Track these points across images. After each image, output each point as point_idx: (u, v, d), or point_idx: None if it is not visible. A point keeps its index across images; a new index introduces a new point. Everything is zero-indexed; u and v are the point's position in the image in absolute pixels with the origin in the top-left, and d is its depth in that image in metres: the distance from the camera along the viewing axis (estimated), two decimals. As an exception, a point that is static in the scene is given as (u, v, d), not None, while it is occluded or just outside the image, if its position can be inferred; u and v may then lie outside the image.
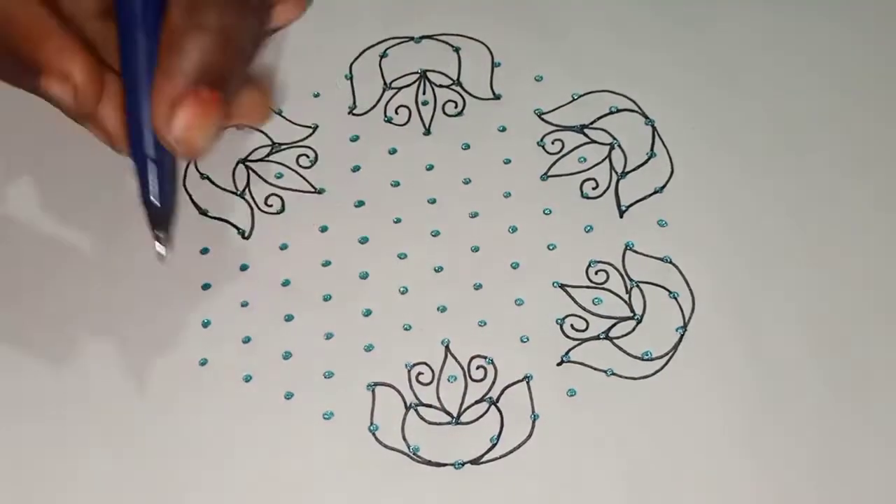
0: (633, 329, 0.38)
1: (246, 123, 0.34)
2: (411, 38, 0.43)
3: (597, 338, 0.38)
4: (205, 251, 0.39)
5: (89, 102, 0.31)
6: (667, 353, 0.37)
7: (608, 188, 0.40)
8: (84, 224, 0.37)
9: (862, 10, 0.43)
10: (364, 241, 0.39)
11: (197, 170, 0.40)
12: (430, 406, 0.37)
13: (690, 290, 0.38)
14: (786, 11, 0.44)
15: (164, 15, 0.31)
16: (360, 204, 0.40)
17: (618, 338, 0.38)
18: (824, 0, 0.44)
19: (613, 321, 0.38)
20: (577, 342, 0.37)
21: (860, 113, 0.41)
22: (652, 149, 0.41)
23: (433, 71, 0.42)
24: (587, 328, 0.38)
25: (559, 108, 0.42)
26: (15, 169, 0.39)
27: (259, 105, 0.34)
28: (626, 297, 0.38)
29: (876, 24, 0.43)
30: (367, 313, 0.38)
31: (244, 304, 0.38)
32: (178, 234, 0.37)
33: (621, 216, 0.40)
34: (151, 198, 0.32)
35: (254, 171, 0.40)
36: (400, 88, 0.42)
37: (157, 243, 0.33)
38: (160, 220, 0.33)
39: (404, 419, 0.36)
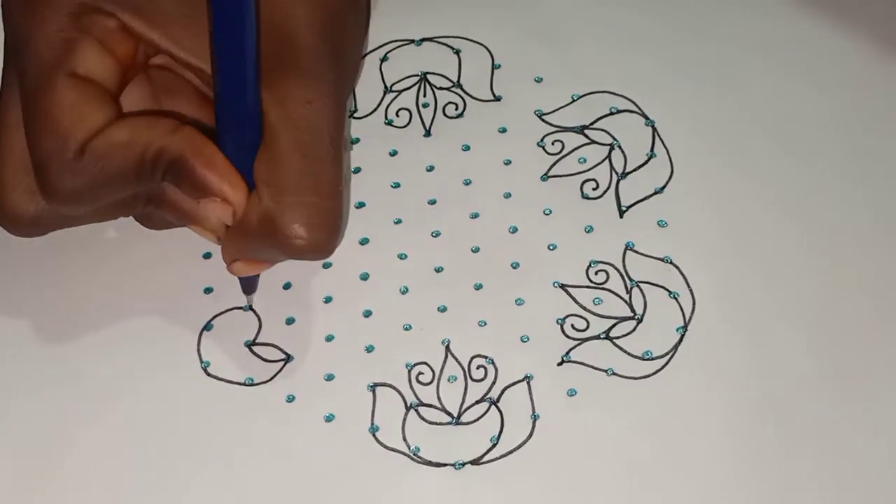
0: (634, 329, 0.38)
1: None
2: (412, 41, 0.43)
3: (597, 338, 0.38)
4: (207, 255, 0.39)
5: (234, 223, 0.34)
6: (667, 353, 0.37)
7: (608, 189, 0.40)
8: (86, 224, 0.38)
9: (862, 10, 0.43)
10: (364, 241, 0.39)
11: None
12: (430, 406, 0.37)
13: (691, 290, 0.38)
14: (786, 13, 0.43)
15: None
16: (361, 205, 0.40)
17: (618, 338, 0.38)
18: (824, 1, 0.44)
19: (614, 321, 0.38)
20: (577, 342, 0.37)
21: (860, 113, 0.41)
22: (652, 149, 0.41)
23: (433, 73, 0.42)
24: (587, 328, 0.38)
25: (559, 109, 0.42)
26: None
27: None
28: (626, 297, 0.38)
29: (875, 25, 0.43)
30: (368, 314, 0.38)
31: (246, 308, 0.38)
32: (180, 238, 0.38)
33: (621, 216, 0.40)
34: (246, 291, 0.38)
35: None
36: (400, 91, 0.42)
37: (248, 302, 0.38)
38: (251, 285, 0.38)
39: (405, 419, 0.36)
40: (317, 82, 0.34)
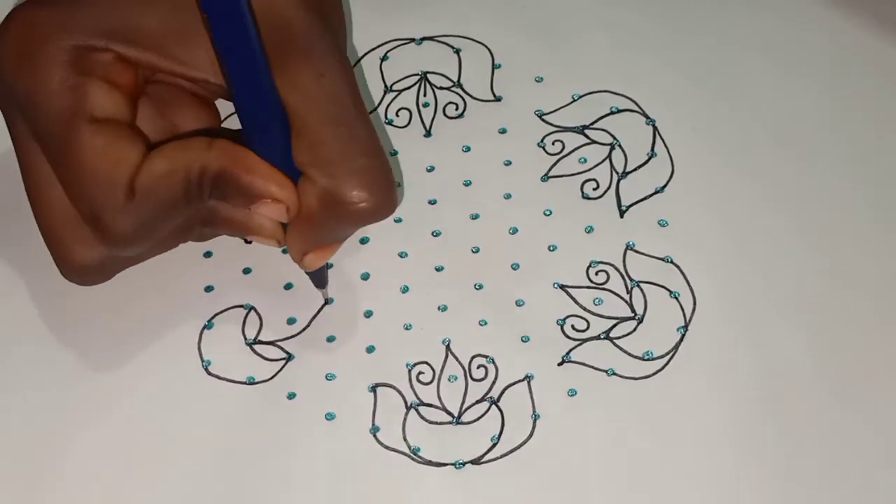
0: (634, 329, 0.38)
1: None
2: (412, 40, 0.43)
3: (597, 338, 0.38)
4: (208, 254, 0.39)
5: (292, 216, 0.35)
6: (668, 353, 0.37)
7: (609, 188, 0.40)
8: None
9: (862, 10, 0.43)
10: (365, 241, 0.39)
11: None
12: (430, 406, 0.37)
13: (691, 289, 0.38)
14: (786, 13, 0.44)
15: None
16: (362, 205, 0.40)
17: (619, 338, 0.38)
18: (824, 1, 0.44)
19: (614, 321, 0.38)
20: (577, 342, 0.38)
21: (860, 112, 0.41)
22: (652, 149, 0.41)
23: (434, 73, 0.42)
24: (588, 328, 0.38)
25: (559, 108, 0.42)
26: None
27: None
28: (626, 297, 0.38)
29: (876, 25, 0.43)
30: (368, 314, 0.38)
31: (247, 307, 0.38)
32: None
33: (622, 216, 0.40)
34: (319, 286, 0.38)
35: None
36: (401, 91, 0.42)
37: (324, 296, 0.39)
38: (321, 280, 0.38)
39: (405, 419, 0.36)
40: (320, 55, 0.34)
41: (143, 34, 0.34)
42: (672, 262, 0.39)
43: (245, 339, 0.38)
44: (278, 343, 0.38)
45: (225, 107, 0.37)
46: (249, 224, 0.35)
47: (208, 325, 0.38)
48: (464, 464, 0.36)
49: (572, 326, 0.38)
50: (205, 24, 0.31)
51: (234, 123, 0.38)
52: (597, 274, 0.39)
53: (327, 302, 0.39)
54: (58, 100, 0.33)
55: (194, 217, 0.35)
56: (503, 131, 0.41)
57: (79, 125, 0.33)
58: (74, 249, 0.35)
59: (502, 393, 0.37)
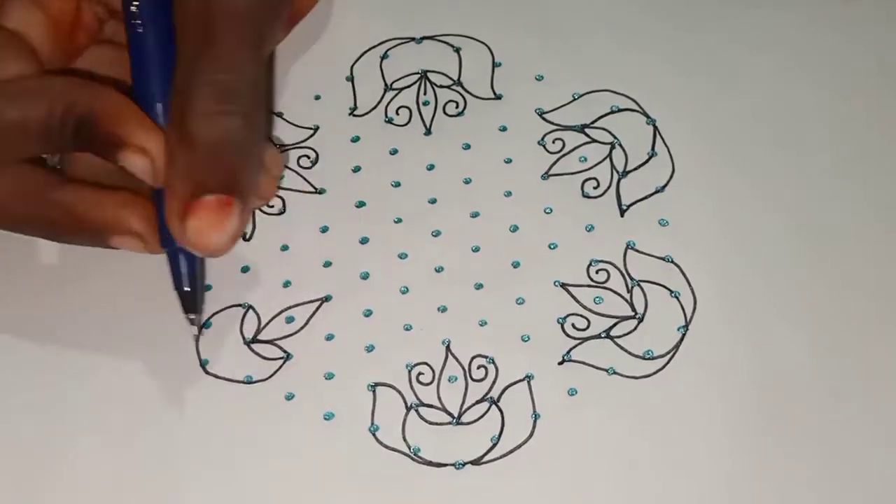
0: (635, 328, 0.38)
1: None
2: (412, 39, 0.43)
3: (598, 337, 0.37)
4: (206, 253, 0.39)
5: (160, 174, 0.32)
6: (668, 353, 0.37)
7: (609, 187, 0.40)
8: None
9: (861, 11, 0.43)
10: (364, 241, 0.39)
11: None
12: (430, 406, 0.37)
13: (692, 289, 0.38)
14: (786, 13, 0.43)
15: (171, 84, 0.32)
16: (361, 204, 0.40)
17: (619, 337, 0.37)
18: (824, 1, 0.44)
19: (615, 320, 0.38)
20: (578, 341, 0.37)
21: (860, 112, 0.41)
22: (653, 148, 0.41)
23: (434, 71, 0.42)
24: (588, 327, 0.38)
25: (560, 107, 0.42)
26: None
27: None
28: (627, 296, 0.38)
29: (875, 25, 0.43)
30: (368, 314, 0.38)
31: (245, 306, 0.38)
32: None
33: (622, 215, 0.40)
34: (185, 287, 0.35)
35: (254, 172, 0.40)
36: (401, 89, 0.42)
37: (190, 325, 0.36)
38: (191, 303, 0.36)
39: (405, 419, 0.36)
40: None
41: None
42: (672, 261, 0.39)
43: (243, 338, 0.38)
44: (277, 342, 0.38)
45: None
46: (110, 221, 0.33)
47: (206, 324, 0.38)
48: (464, 464, 0.36)
49: (573, 325, 0.38)
50: None
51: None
52: (597, 273, 0.39)
53: (200, 333, 0.37)
54: None
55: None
56: (503, 129, 0.41)
57: None
58: None
59: (502, 393, 0.37)
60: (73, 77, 0.33)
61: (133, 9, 0.32)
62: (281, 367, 0.37)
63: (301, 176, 0.40)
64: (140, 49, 0.33)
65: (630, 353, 0.37)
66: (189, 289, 0.35)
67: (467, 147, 0.41)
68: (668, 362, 0.37)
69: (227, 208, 0.32)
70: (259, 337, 0.38)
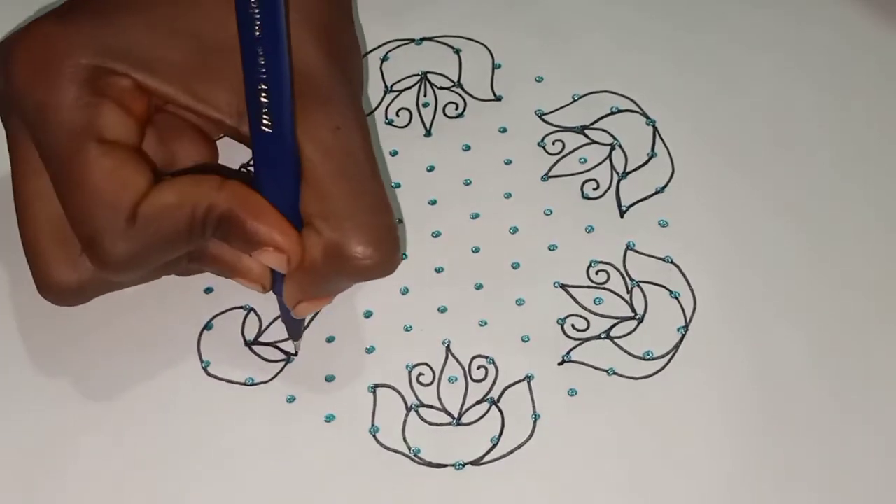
0: (635, 329, 0.38)
1: None
2: (412, 41, 0.43)
3: (598, 337, 0.38)
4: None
5: (291, 268, 0.34)
6: (668, 353, 0.37)
7: (609, 188, 0.40)
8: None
9: (863, 9, 0.43)
10: (365, 242, 0.39)
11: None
12: (430, 407, 0.37)
13: (692, 289, 0.38)
14: (787, 12, 0.43)
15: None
16: (361, 206, 0.40)
17: (619, 337, 0.37)
18: (825, 1, 0.44)
19: (614, 321, 0.38)
20: (578, 342, 0.37)
21: (860, 113, 0.41)
22: (653, 149, 0.41)
23: (434, 73, 0.42)
24: (588, 328, 0.38)
25: (560, 108, 0.42)
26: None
27: None
28: (627, 297, 0.38)
29: (877, 24, 0.43)
30: (368, 314, 0.38)
31: (247, 308, 0.38)
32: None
33: (622, 216, 0.40)
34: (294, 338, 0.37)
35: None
36: (401, 91, 0.42)
37: (294, 348, 0.38)
38: (297, 332, 0.37)
39: (405, 420, 0.36)
40: (338, 106, 0.34)
41: (166, 65, 0.34)
42: (672, 262, 0.39)
43: (244, 340, 0.38)
44: (278, 344, 0.38)
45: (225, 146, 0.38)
46: (238, 266, 0.35)
47: (208, 327, 0.38)
48: (464, 465, 0.36)
49: (572, 326, 0.38)
50: (242, 57, 0.31)
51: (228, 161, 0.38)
52: (597, 273, 0.39)
53: (294, 355, 0.38)
54: (70, 114, 0.33)
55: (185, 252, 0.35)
56: (503, 131, 0.41)
57: (88, 143, 0.33)
58: (55, 268, 0.34)
59: (502, 393, 0.37)
60: (207, 176, 0.34)
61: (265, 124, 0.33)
62: (282, 369, 0.37)
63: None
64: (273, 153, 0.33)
65: (630, 354, 0.37)
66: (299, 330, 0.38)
67: (467, 148, 0.41)
68: (668, 363, 0.37)
69: (327, 300, 0.36)
70: (260, 339, 0.38)
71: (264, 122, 0.32)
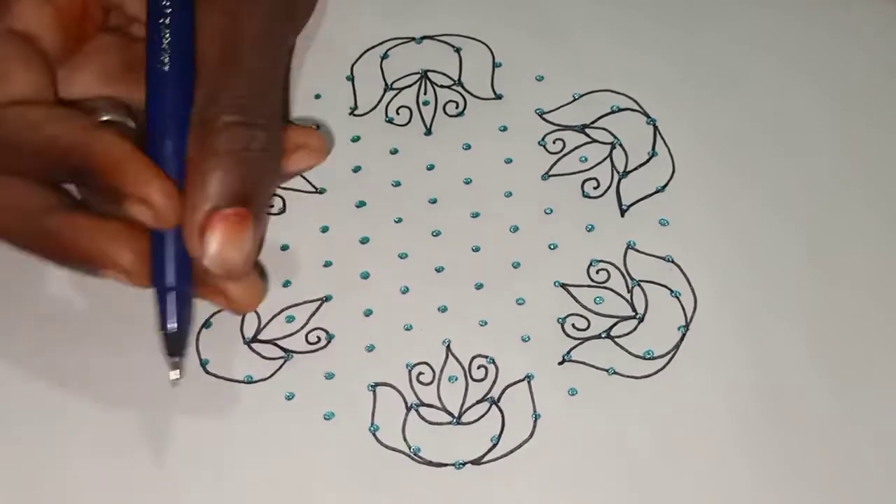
0: (635, 328, 0.38)
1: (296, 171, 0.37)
2: (412, 39, 0.43)
3: (598, 337, 0.37)
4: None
5: (170, 220, 0.32)
6: (669, 352, 0.37)
7: (609, 187, 0.40)
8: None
9: (863, 10, 0.43)
10: (365, 241, 0.39)
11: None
12: (430, 406, 0.37)
13: (692, 289, 0.38)
14: (785, 13, 0.43)
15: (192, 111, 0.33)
16: (362, 204, 0.40)
17: (619, 337, 0.37)
18: (825, 1, 0.44)
19: (615, 320, 0.38)
20: (578, 341, 0.37)
21: (860, 113, 0.41)
22: (653, 148, 0.41)
23: (434, 71, 0.42)
24: (588, 327, 0.38)
25: (560, 107, 0.42)
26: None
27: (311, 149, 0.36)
28: (627, 296, 0.38)
29: (874, 26, 0.43)
30: (368, 313, 0.38)
31: (173, 382, 0.38)
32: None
33: (623, 215, 0.40)
34: (169, 326, 0.34)
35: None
36: (401, 89, 0.42)
37: (171, 370, 0.35)
38: (177, 345, 0.35)
39: (405, 419, 0.36)
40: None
41: None
42: (673, 261, 0.39)
43: (243, 337, 0.38)
44: (277, 342, 0.38)
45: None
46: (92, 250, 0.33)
47: (206, 324, 0.38)
48: (464, 464, 0.36)
49: (573, 325, 0.38)
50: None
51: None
52: (597, 273, 0.39)
53: (174, 384, 0.35)
54: None
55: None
56: (504, 129, 0.41)
57: None
58: None
59: (502, 393, 0.37)
60: (74, 120, 0.32)
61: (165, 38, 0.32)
62: (281, 366, 0.37)
63: (301, 175, 0.40)
64: (159, 78, 0.33)
65: (630, 353, 0.37)
66: (176, 327, 0.34)
67: (468, 147, 0.41)
68: (668, 362, 0.37)
69: (245, 222, 0.32)
70: (259, 337, 0.38)
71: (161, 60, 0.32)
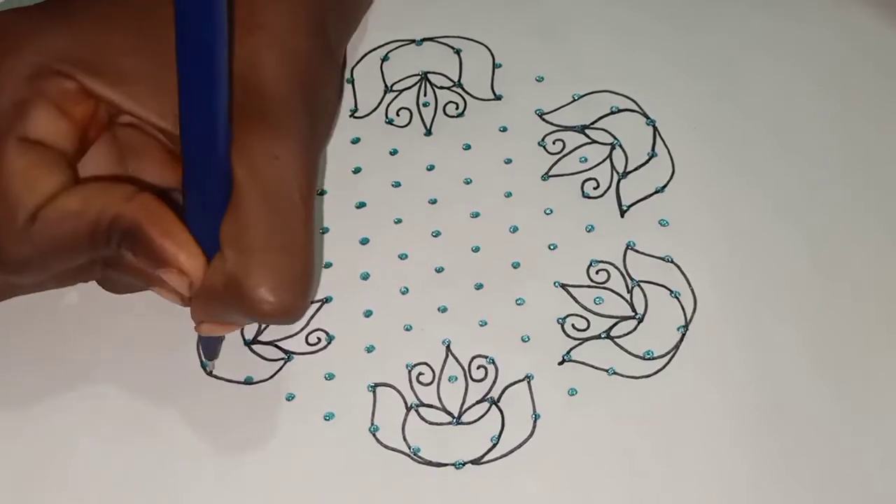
0: (635, 328, 0.38)
1: None
2: (412, 41, 0.43)
3: (598, 337, 0.37)
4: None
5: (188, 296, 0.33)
6: (668, 353, 0.37)
7: (609, 188, 0.40)
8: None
9: (864, 9, 0.43)
10: (365, 241, 0.39)
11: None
12: (430, 406, 0.37)
13: (692, 289, 0.38)
14: (785, 13, 0.43)
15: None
16: (362, 205, 0.40)
17: (619, 337, 0.37)
18: (825, 2, 0.44)
19: (615, 320, 0.38)
20: (578, 342, 0.37)
21: (860, 113, 0.41)
22: (653, 148, 0.41)
23: (434, 73, 0.42)
24: (588, 327, 0.38)
25: (560, 108, 0.42)
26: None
27: None
28: (627, 296, 0.38)
29: (878, 24, 0.43)
30: (368, 314, 0.38)
31: (207, 371, 0.38)
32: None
33: (622, 216, 0.40)
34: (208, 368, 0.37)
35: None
36: (401, 91, 0.42)
37: (209, 368, 0.37)
38: (212, 351, 0.37)
39: (405, 420, 0.36)
40: (285, 136, 0.32)
41: (115, 71, 0.33)
42: (672, 261, 0.39)
43: (243, 338, 0.38)
44: (277, 343, 0.38)
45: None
46: (154, 276, 0.33)
47: (207, 325, 0.38)
48: (464, 464, 0.36)
49: (573, 325, 0.38)
50: (178, 69, 0.29)
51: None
52: (597, 273, 0.39)
53: (209, 373, 0.37)
54: None
55: (98, 259, 0.34)
56: (504, 130, 0.41)
57: (8, 140, 0.32)
58: None
59: (502, 393, 0.37)
60: (118, 185, 0.33)
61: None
62: (281, 367, 0.37)
63: (301, 177, 0.40)
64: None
65: (630, 354, 0.37)
66: (214, 368, 0.37)
67: (467, 147, 0.41)
68: (668, 362, 0.37)
69: (232, 327, 0.35)
70: (259, 338, 0.38)
71: (191, 129, 0.30)
